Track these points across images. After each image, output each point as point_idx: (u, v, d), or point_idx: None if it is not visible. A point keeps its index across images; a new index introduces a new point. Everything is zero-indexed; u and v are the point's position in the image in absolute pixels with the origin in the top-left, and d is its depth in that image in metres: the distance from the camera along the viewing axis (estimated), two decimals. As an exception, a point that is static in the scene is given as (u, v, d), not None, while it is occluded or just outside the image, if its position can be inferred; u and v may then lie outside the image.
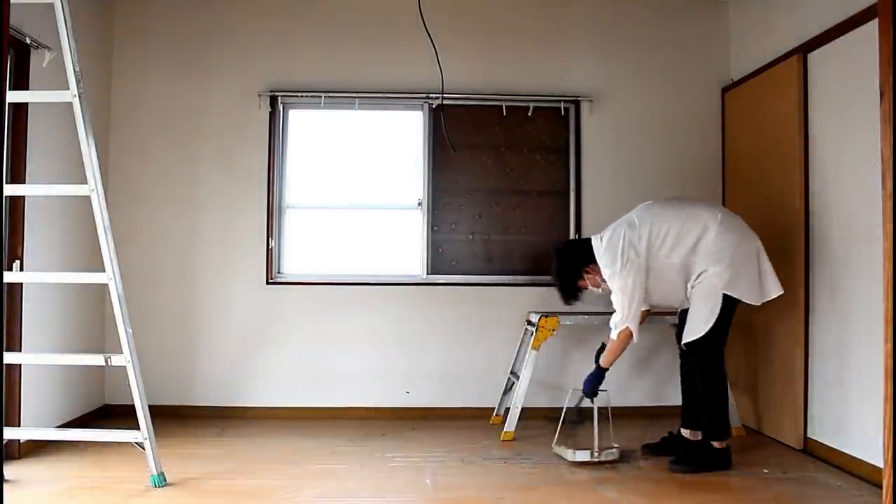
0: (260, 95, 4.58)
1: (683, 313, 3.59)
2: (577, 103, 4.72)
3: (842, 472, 3.43)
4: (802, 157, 3.78)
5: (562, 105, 4.72)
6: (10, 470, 3.32)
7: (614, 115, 4.73)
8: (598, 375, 3.66)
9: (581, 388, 3.72)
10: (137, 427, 3.10)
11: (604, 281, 3.59)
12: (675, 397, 4.59)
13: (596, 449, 3.55)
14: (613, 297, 3.53)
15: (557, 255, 3.77)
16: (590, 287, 3.73)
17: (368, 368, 4.60)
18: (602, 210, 4.69)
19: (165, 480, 3.14)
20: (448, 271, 4.71)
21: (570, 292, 3.74)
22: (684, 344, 3.53)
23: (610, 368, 3.66)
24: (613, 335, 3.56)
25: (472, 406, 4.59)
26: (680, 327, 3.62)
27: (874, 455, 3.15)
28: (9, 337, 3.45)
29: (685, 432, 3.72)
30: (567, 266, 3.71)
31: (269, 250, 4.59)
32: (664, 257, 3.46)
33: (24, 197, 3.53)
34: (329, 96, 4.62)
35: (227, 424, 4.32)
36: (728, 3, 4.78)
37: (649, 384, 4.67)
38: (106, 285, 3.11)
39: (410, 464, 3.59)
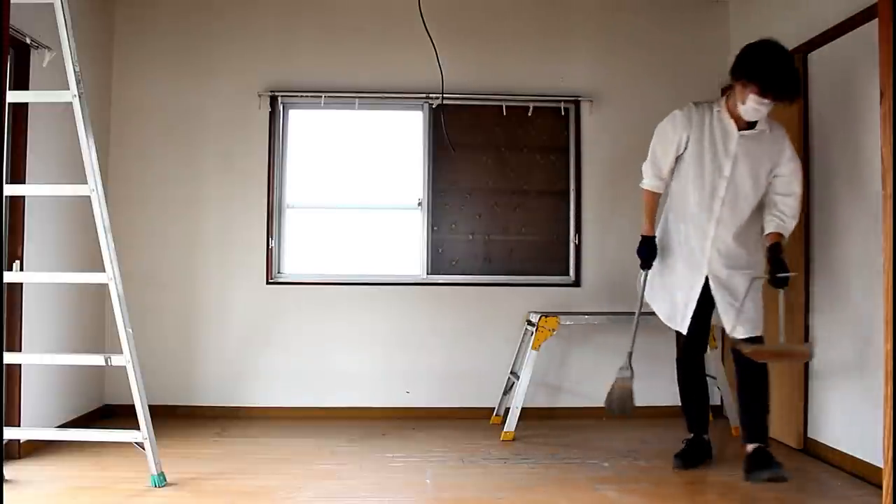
0: (260, 95, 4.58)
1: (703, 313, 3.38)
2: (577, 103, 4.72)
3: (842, 472, 3.43)
4: (803, 157, 3.78)
5: (562, 105, 4.72)
6: (10, 470, 3.31)
7: (614, 115, 4.72)
8: (644, 241, 3.45)
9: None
10: (137, 427, 3.10)
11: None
12: (672, 398, 4.60)
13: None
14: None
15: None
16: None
17: (368, 368, 4.60)
18: (602, 210, 4.70)
19: (165, 480, 3.14)
20: (448, 271, 4.72)
21: None
22: (748, 337, 3.24)
23: (654, 232, 3.46)
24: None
25: (472, 406, 4.59)
26: (699, 325, 3.41)
27: (874, 455, 3.15)
28: (9, 337, 3.45)
29: (751, 447, 3.29)
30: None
31: (269, 250, 4.59)
32: (740, 177, 3.22)
33: (24, 197, 3.53)
34: (329, 96, 4.62)
35: (228, 424, 4.32)
36: (728, 4, 4.78)
37: (651, 384, 4.66)
38: (106, 285, 3.11)
39: (410, 464, 3.60)
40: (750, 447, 3.28)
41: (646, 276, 3.48)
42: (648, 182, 3.43)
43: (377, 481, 3.31)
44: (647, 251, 3.44)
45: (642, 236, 3.45)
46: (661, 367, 4.63)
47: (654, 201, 3.44)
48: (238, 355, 4.56)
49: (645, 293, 3.53)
